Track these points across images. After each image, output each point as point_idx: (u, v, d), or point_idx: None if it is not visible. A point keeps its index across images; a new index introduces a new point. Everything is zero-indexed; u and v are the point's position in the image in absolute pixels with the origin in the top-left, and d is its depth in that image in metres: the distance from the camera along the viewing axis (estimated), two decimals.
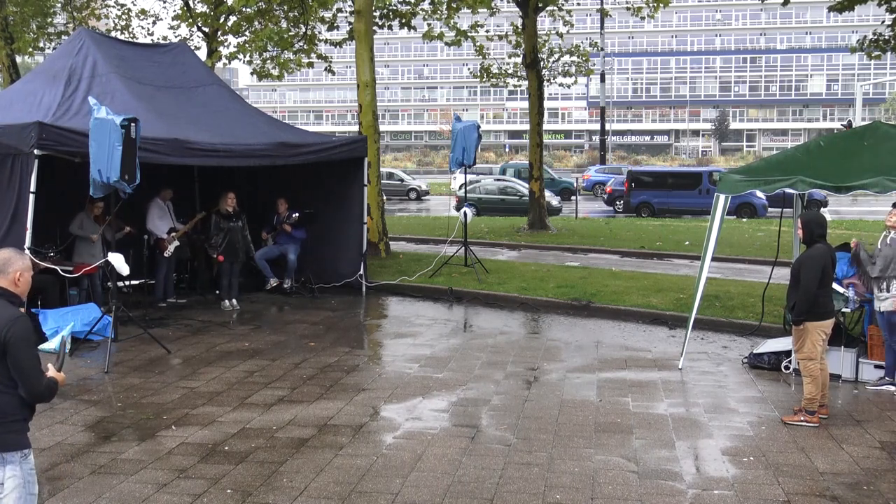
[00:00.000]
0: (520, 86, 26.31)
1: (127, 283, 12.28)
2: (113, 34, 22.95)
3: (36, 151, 9.76)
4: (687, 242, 20.92)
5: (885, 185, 8.22)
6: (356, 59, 17.16)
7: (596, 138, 75.79)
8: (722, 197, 9.35)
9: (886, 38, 20.04)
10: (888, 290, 8.29)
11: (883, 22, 20.22)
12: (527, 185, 26.72)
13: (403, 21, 22.16)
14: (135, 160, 9.27)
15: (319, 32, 24.38)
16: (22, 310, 4.19)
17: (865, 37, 21.09)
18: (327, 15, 23.50)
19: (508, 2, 23.78)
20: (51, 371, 4.11)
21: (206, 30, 24.66)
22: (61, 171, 10.44)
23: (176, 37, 25.54)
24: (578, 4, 32.33)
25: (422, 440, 6.95)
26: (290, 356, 9.79)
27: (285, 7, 22.29)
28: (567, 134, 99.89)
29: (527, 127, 28.65)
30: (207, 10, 24.49)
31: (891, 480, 6.20)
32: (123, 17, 26.31)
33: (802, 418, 7.44)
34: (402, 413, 7.71)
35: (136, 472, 6.20)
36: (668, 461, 6.52)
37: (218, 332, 11.04)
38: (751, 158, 69.65)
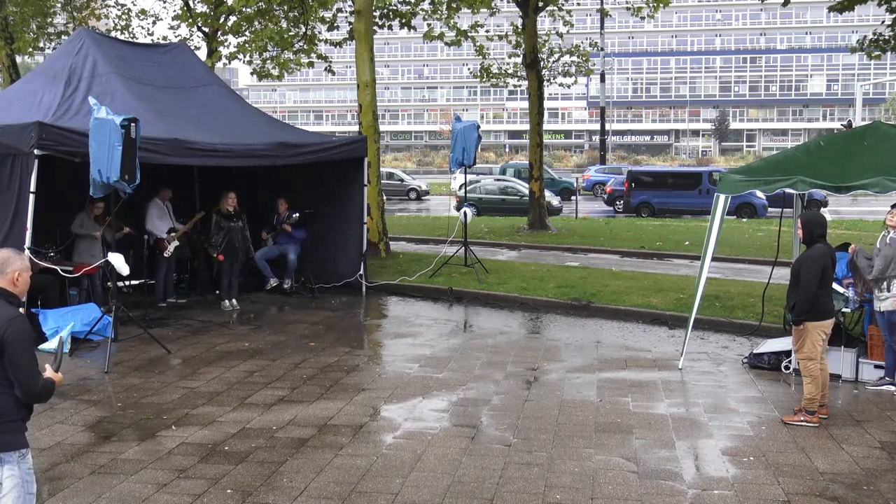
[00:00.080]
0: (520, 86, 26.31)
1: (127, 283, 12.28)
2: (113, 34, 22.95)
3: (36, 151, 9.76)
4: (687, 242, 20.92)
5: (885, 185, 8.21)
6: (356, 59, 17.16)
7: (596, 138, 75.79)
8: (722, 197, 9.35)
9: (886, 38, 20.04)
10: (888, 290, 8.29)
11: (883, 22, 20.22)
12: (527, 185, 26.71)
13: (403, 21, 22.16)
14: (135, 160, 9.27)
15: (319, 32, 24.38)
16: (22, 310, 4.19)
17: (865, 37, 21.08)
18: (327, 15, 23.50)
19: (508, 2, 23.78)
20: (48, 371, 4.10)
21: (206, 30, 24.66)
22: (61, 171, 10.44)
23: (176, 37, 25.55)
24: (578, 4, 32.32)
25: (422, 440, 6.95)
26: (290, 356, 9.79)
27: (285, 7, 22.29)
28: (567, 134, 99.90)
29: (527, 127, 28.65)
30: (207, 10, 24.49)
31: (891, 480, 6.20)
32: (123, 17, 26.31)
33: (802, 418, 7.44)
34: (402, 413, 7.71)
35: (136, 472, 6.20)
36: (668, 461, 6.53)
37: (218, 332, 11.04)
38: (751, 158, 69.66)
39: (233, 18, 23.99)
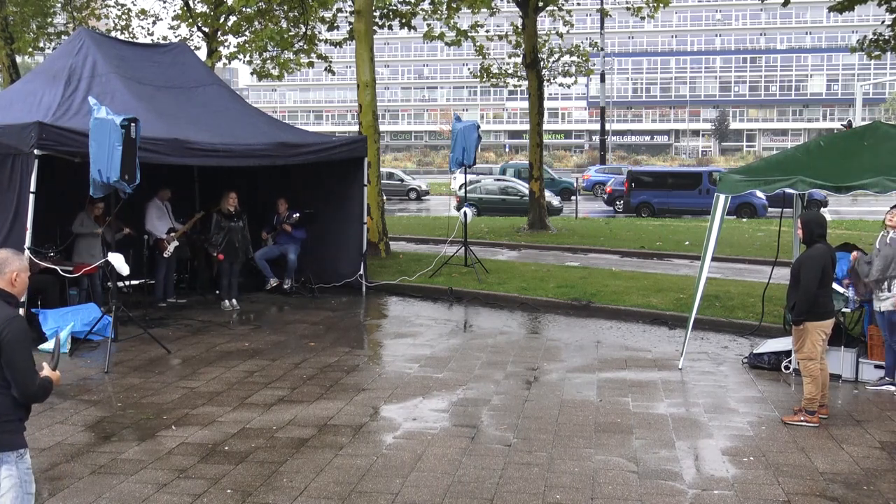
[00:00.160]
0: (520, 86, 26.31)
1: (127, 283, 12.28)
2: (113, 34, 22.95)
3: (36, 151, 9.76)
4: (687, 242, 20.92)
5: (885, 185, 8.22)
6: (356, 59, 17.16)
7: (596, 138, 75.79)
8: (722, 197, 9.35)
9: (886, 38, 20.04)
10: (889, 290, 8.29)
11: (883, 22, 20.23)
12: (527, 185, 26.72)
13: (403, 21, 22.16)
14: (135, 160, 9.27)
15: (319, 32, 24.38)
16: (21, 310, 4.19)
17: (865, 37, 21.09)
18: (327, 15, 23.50)
19: (508, 2, 23.78)
20: (46, 370, 4.09)
21: (206, 30, 24.65)
22: (61, 171, 10.44)
23: (176, 37, 25.54)
24: (578, 4, 32.32)
25: (422, 440, 6.95)
26: (290, 356, 9.79)
27: (285, 7, 22.29)
28: (567, 134, 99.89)
29: (527, 127, 28.65)
30: (207, 10, 24.49)
31: (891, 480, 6.20)
32: (123, 17, 26.31)
33: (802, 418, 7.44)
34: (402, 413, 7.71)
35: (136, 472, 6.20)
36: (668, 461, 6.52)
37: (218, 332, 11.04)
38: (751, 158, 69.66)
39: (233, 18, 23.99)
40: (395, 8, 21.81)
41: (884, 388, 8.53)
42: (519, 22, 23.81)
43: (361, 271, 13.99)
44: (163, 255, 12.48)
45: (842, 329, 8.85)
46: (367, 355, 10.23)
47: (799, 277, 7.52)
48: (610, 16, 38.25)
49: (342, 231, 14.06)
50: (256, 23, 23.31)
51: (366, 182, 14.09)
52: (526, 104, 26.20)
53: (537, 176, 23.32)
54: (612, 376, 9.05)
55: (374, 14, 19.36)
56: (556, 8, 23.77)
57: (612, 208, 35.56)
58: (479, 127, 15.77)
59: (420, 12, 22.43)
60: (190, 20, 24.72)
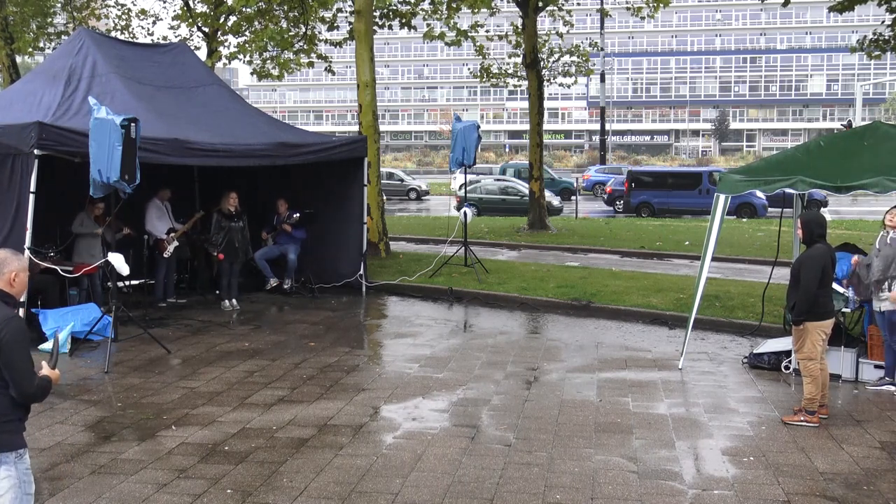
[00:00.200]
0: (520, 86, 26.31)
1: (127, 283, 12.28)
2: (113, 34, 22.95)
3: (36, 151, 9.76)
4: (687, 242, 20.92)
5: (885, 185, 8.22)
6: (356, 59, 17.16)
7: (596, 138, 75.79)
8: (722, 197, 9.35)
9: (886, 38, 20.05)
10: (889, 290, 8.28)
11: (883, 22, 20.23)
12: (527, 185, 26.72)
13: (403, 21, 22.16)
14: (135, 160, 9.27)
15: (319, 32, 24.38)
16: (21, 310, 4.19)
17: (865, 37, 21.11)
18: (327, 15, 23.50)
19: (508, 2, 23.78)
20: (44, 369, 4.08)
21: (206, 30, 24.65)
22: (61, 171, 10.44)
23: (176, 37, 25.54)
24: (578, 4, 32.32)
25: (422, 440, 6.95)
26: (290, 356, 9.79)
27: (285, 7, 22.29)
28: (567, 134, 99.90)
29: (527, 127, 28.65)
30: (207, 10, 24.49)
31: (891, 480, 6.20)
32: (123, 17, 26.31)
33: (802, 418, 7.44)
34: (402, 413, 7.71)
35: (136, 472, 6.20)
36: (668, 461, 6.52)
37: (218, 332, 11.04)
38: (751, 158, 69.66)
39: (233, 18, 23.99)
40: (395, 8, 21.81)
41: (884, 388, 8.53)
42: (519, 22, 23.81)
43: (361, 271, 13.99)
44: (163, 255, 12.48)
45: (842, 329, 8.85)
46: (367, 355, 10.23)
47: (799, 277, 7.52)
48: (610, 16, 38.26)
49: (342, 231, 14.06)
50: (256, 23, 23.32)
51: (366, 182, 14.09)
52: (526, 104, 26.20)
53: (537, 176, 23.32)
54: (612, 376, 9.05)
55: (374, 14, 19.36)
56: (556, 8, 23.77)
57: (612, 208, 35.56)
58: (479, 127, 15.77)
59: (420, 12, 22.43)
60: (190, 20, 24.72)
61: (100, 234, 11.34)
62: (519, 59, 24.99)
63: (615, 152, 79.24)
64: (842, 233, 21.30)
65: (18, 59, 25.16)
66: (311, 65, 25.20)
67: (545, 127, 25.93)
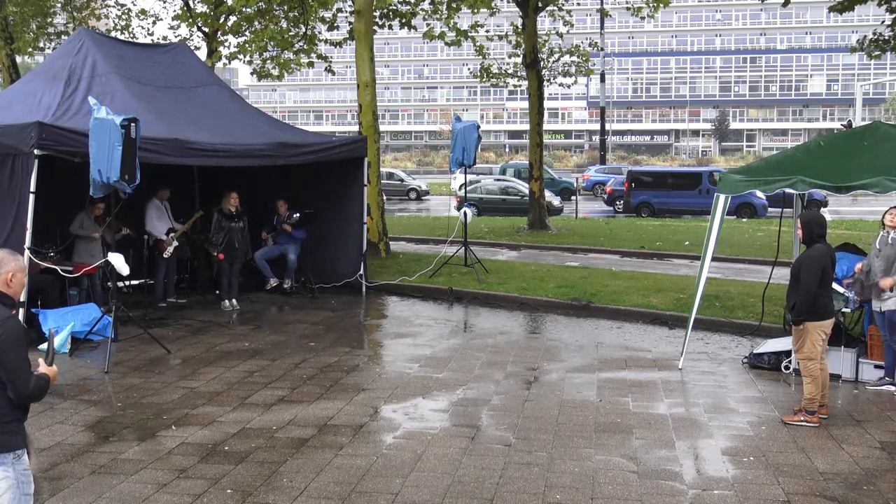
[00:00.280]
0: (520, 86, 26.31)
1: (127, 283, 12.28)
2: (113, 34, 22.95)
3: (36, 151, 9.76)
4: (687, 242, 20.92)
5: (885, 185, 8.21)
6: (356, 59, 17.16)
7: (596, 138, 75.79)
8: (722, 197, 9.35)
9: (886, 38, 20.06)
10: (890, 290, 8.28)
11: (883, 22, 20.24)
12: (527, 185, 26.72)
13: (403, 21, 22.16)
14: (135, 160, 9.27)
15: (319, 32, 24.38)
16: (21, 310, 4.18)
17: (865, 37, 21.12)
18: (327, 15, 23.50)
19: (508, 2, 23.78)
20: (41, 367, 4.07)
21: (206, 30, 24.65)
22: (61, 171, 10.44)
23: (176, 37, 25.54)
24: (578, 4, 32.32)
25: (422, 440, 6.95)
26: (290, 356, 9.79)
27: (285, 7, 22.29)
28: (567, 134, 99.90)
29: (527, 127, 28.65)
30: (207, 10, 24.48)
31: (891, 480, 6.20)
32: (123, 17, 26.30)
33: (802, 418, 7.44)
34: (402, 413, 7.71)
35: (136, 472, 6.20)
36: (668, 461, 6.52)
37: (218, 332, 11.04)
38: (751, 158, 69.66)
39: (233, 18, 23.98)
40: (395, 8, 21.79)
41: (884, 388, 8.53)
42: (519, 22, 23.81)
43: (361, 271, 13.99)
44: (163, 255, 12.48)
45: (842, 329, 8.85)
46: (367, 355, 10.23)
47: (799, 277, 7.52)
48: (610, 16, 38.25)
49: (342, 231, 14.06)
50: (256, 23, 23.31)
51: (366, 182, 14.09)
52: (526, 104, 26.20)
53: (537, 176, 23.32)
54: (612, 376, 9.05)
55: (374, 14, 19.35)
56: (556, 8, 23.77)
57: (612, 208, 35.57)
58: (479, 127, 15.77)
59: (420, 12, 22.43)
60: (190, 20, 24.72)
61: (96, 238, 11.33)
62: (519, 59, 24.98)
63: (615, 152, 79.25)
64: (842, 233, 21.30)
65: (18, 59, 25.15)
66: (311, 65, 25.19)
67: (545, 127, 25.93)
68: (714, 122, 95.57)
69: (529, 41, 22.62)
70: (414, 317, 12.39)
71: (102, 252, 11.00)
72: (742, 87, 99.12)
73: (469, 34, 22.80)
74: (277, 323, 11.84)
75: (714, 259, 10.36)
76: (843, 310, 8.80)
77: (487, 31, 24.94)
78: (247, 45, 23.36)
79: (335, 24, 23.93)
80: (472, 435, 7.09)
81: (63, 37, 24.89)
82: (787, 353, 9.11)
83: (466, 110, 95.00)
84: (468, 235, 16.13)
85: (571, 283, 14.26)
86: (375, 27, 19.79)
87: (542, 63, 23.64)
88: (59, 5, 25.45)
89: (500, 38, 25.58)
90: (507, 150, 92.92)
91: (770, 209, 29.97)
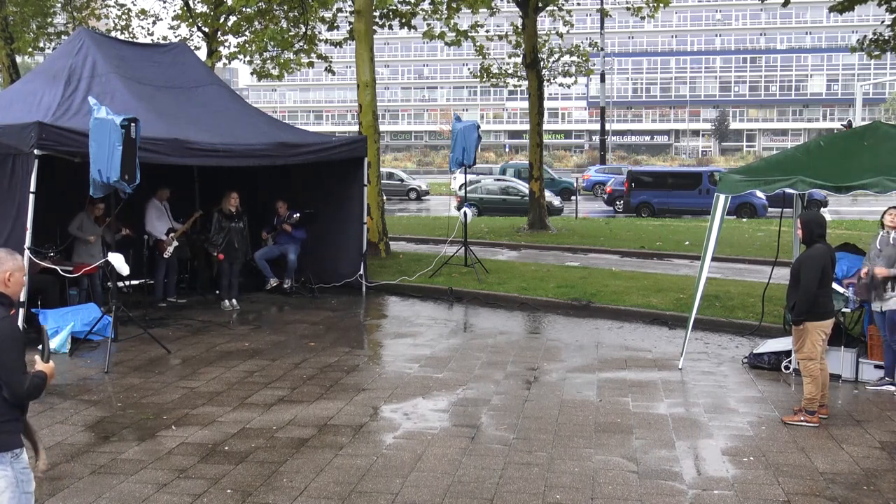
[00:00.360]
0: (520, 86, 26.31)
1: (127, 283, 12.28)
2: (113, 34, 22.95)
3: (36, 151, 9.75)
4: (687, 242, 20.92)
5: (885, 185, 8.21)
6: (356, 59, 17.16)
7: (596, 138, 75.79)
8: (722, 197, 9.35)
9: (886, 38, 20.06)
10: (892, 290, 8.28)
11: (883, 22, 20.24)
12: (527, 185, 26.72)
13: (403, 21, 22.16)
14: (135, 160, 9.27)
15: (319, 32, 24.38)
16: (21, 310, 4.17)
17: (865, 37, 21.11)
18: (327, 15, 23.50)
19: (508, 2, 23.78)
20: (38, 364, 4.06)
21: (206, 30, 24.65)
22: (61, 171, 10.44)
23: (176, 37, 25.54)
24: (578, 4, 32.32)
25: (422, 440, 6.95)
26: (290, 356, 9.79)
27: (285, 7, 22.29)
28: (567, 134, 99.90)
29: (527, 127, 28.65)
30: (207, 10, 24.48)
31: (891, 480, 6.20)
32: (123, 17, 26.30)
33: (802, 418, 7.44)
34: (402, 413, 7.71)
35: (136, 472, 6.20)
36: (668, 461, 6.52)
37: (218, 332, 11.04)
38: (751, 158, 69.65)
39: (233, 18, 23.98)
40: (395, 8, 21.79)
41: (884, 388, 8.53)
42: (519, 22, 23.81)
43: (361, 271, 13.99)
44: (163, 255, 12.48)
45: (842, 329, 8.85)
46: (367, 355, 10.23)
47: (799, 277, 7.52)
48: (610, 16, 38.25)
49: (342, 231, 14.06)
50: (256, 23, 23.31)
51: (366, 182, 14.09)
52: (526, 104, 26.20)
53: (537, 176, 23.32)
54: (612, 376, 9.05)
55: (374, 14, 19.35)
56: (556, 8, 23.77)
57: (612, 208, 35.57)
58: (479, 127, 15.76)
59: (420, 12, 22.43)
60: (190, 20, 24.72)
61: (91, 242, 11.32)
62: (519, 59, 24.98)
63: (615, 152, 79.25)
64: (842, 233, 21.30)
65: (18, 59, 25.15)
66: (311, 65, 25.19)
67: (545, 127, 25.94)
68: (714, 122, 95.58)
69: (529, 41, 22.62)
70: (414, 317, 12.39)
71: (102, 252, 11.00)
72: (742, 87, 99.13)
73: (469, 34, 22.82)
74: (277, 323, 11.84)
75: (714, 259, 10.36)
76: (843, 310, 8.80)
77: (487, 31, 24.94)
78: (247, 45, 23.37)
79: (335, 24, 23.93)
80: (472, 435, 7.09)
81: (63, 37, 24.89)
82: (787, 353, 9.11)
83: (466, 110, 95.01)
84: (468, 235, 16.13)
85: (571, 283, 14.26)
86: (375, 27, 19.79)
87: (542, 63, 23.64)
88: (59, 5, 25.45)
89: (500, 38, 25.58)
90: (507, 150, 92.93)
91: (770, 209, 29.97)
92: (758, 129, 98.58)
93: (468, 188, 26.10)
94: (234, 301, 12.69)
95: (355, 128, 31.33)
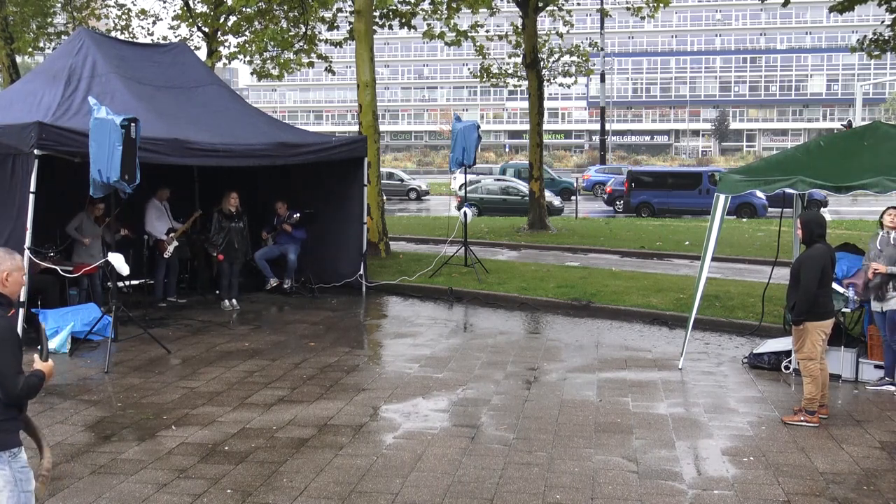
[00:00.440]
0: (520, 86, 26.31)
1: (127, 283, 12.28)
2: (113, 34, 22.94)
3: (36, 151, 9.75)
4: (687, 242, 20.92)
5: (885, 185, 8.21)
6: (356, 59, 17.16)
7: (596, 138, 75.79)
8: (722, 197, 9.35)
9: (886, 38, 20.06)
10: (893, 290, 8.28)
11: (883, 22, 20.24)
12: (527, 185, 26.72)
13: (403, 21, 22.16)
14: (135, 160, 9.27)
15: (319, 32, 24.38)
16: (21, 310, 4.16)
17: (865, 37, 21.12)
18: (327, 15, 23.49)
19: (508, 2, 23.78)
20: (36, 363, 4.05)
21: (206, 30, 24.65)
22: (61, 171, 10.44)
23: (176, 37, 25.54)
24: (578, 4, 32.32)
25: (422, 440, 6.95)
26: (290, 356, 9.79)
27: (285, 7, 22.29)
28: (567, 134, 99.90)
29: (527, 127, 28.65)
30: (207, 10, 24.48)
31: (891, 480, 6.20)
32: (123, 17, 26.30)
33: (802, 418, 7.44)
34: (402, 413, 7.71)
35: (136, 472, 6.20)
36: (668, 461, 6.52)
37: (218, 332, 11.04)
38: (751, 158, 69.66)
39: (233, 18, 23.98)
40: (395, 8, 21.80)
41: (884, 388, 8.53)
42: (519, 22, 23.81)
43: (361, 271, 13.99)
44: (162, 255, 12.48)
45: (842, 329, 8.85)
46: (367, 355, 10.23)
47: (799, 277, 7.52)
48: (610, 16, 38.26)
49: (342, 231, 14.06)
50: (256, 23, 23.31)
51: (366, 182, 14.10)
52: (526, 104, 26.20)
53: (537, 176, 23.32)
54: (612, 376, 9.05)
55: (374, 14, 19.35)
56: (556, 8, 23.77)
57: (612, 208, 35.57)
58: (479, 127, 15.76)
59: (420, 12, 22.43)
60: (190, 20, 24.72)
61: (86, 244, 11.32)
62: (519, 59, 24.98)
63: (615, 152, 79.25)
64: (842, 233, 21.29)
65: (18, 59, 25.15)
66: (311, 65, 25.19)
67: (545, 127, 25.94)
68: (714, 122, 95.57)
69: (529, 41, 22.62)
70: (414, 317, 12.39)
71: (102, 252, 11.00)
72: (742, 87, 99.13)
73: (469, 34, 22.82)
74: (277, 323, 11.84)
75: (714, 259, 10.36)
76: (843, 310, 8.80)
77: (487, 31, 24.95)
78: (247, 45, 23.36)
79: (335, 24, 23.93)
80: (472, 435, 7.09)
81: (63, 37, 24.89)
82: (787, 353, 9.11)
83: (466, 110, 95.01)
84: (468, 235, 16.13)
85: (571, 283, 14.26)
86: (375, 27, 19.79)
87: (542, 63, 23.64)
88: (59, 5, 25.44)
89: (500, 38, 25.58)
90: (507, 150, 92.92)
91: (770, 209, 29.97)
92: (758, 129, 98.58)
93: (468, 188, 26.10)
94: (234, 301, 12.69)
95: (355, 128, 31.33)
